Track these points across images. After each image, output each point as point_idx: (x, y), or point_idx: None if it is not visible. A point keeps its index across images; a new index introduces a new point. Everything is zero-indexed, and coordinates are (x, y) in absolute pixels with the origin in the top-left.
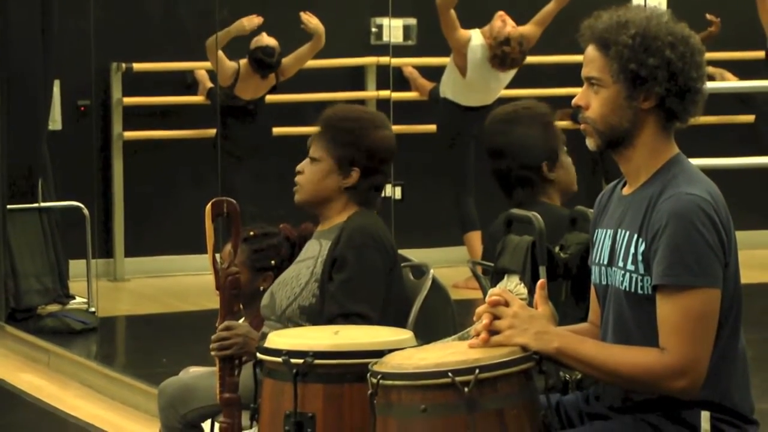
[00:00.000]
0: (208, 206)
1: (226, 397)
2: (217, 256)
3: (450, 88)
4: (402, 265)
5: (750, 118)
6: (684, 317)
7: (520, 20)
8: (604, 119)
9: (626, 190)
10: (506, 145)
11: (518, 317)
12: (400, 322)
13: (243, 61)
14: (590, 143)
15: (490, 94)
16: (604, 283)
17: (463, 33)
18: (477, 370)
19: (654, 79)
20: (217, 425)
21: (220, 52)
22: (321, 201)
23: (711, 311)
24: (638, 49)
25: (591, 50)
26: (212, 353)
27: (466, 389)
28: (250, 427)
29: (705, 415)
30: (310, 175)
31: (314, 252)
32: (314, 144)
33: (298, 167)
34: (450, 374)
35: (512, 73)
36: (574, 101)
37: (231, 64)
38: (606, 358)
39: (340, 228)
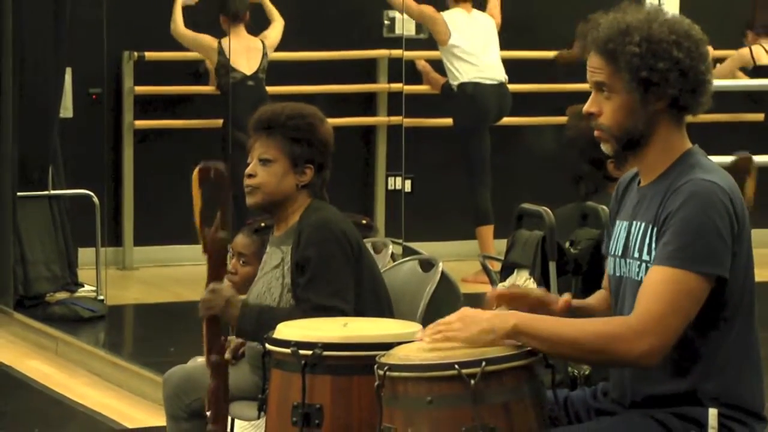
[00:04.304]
0: (195, 172)
1: (213, 359)
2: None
3: (451, 68)
4: (411, 258)
5: (760, 116)
6: (667, 287)
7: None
8: (620, 125)
9: (642, 182)
10: (573, 140)
11: (467, 314)
12: (378, 306)
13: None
14: (606, 148)
15: (480, 40)
16: (618, 274)
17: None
18: (483, 363)
19: (666, 81)
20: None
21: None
22: (279, 202)
23: (698, 295)
24: (646, 56)
25: (597, 60)
26: (200, 315)
27: (472, 381)
28: (258, 418)
29: (713, 413)
30: (268, 177)
31: (278, 260)
32: (262, 146)
33: (249, 170)
34: (456, 366)
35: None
36: (585, 109)
37: (209, 38)
38: (566, 332)
39: (297, 231)
